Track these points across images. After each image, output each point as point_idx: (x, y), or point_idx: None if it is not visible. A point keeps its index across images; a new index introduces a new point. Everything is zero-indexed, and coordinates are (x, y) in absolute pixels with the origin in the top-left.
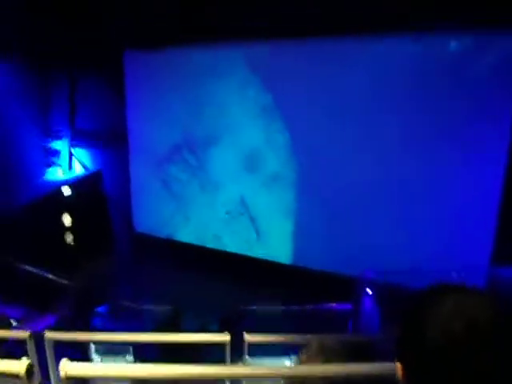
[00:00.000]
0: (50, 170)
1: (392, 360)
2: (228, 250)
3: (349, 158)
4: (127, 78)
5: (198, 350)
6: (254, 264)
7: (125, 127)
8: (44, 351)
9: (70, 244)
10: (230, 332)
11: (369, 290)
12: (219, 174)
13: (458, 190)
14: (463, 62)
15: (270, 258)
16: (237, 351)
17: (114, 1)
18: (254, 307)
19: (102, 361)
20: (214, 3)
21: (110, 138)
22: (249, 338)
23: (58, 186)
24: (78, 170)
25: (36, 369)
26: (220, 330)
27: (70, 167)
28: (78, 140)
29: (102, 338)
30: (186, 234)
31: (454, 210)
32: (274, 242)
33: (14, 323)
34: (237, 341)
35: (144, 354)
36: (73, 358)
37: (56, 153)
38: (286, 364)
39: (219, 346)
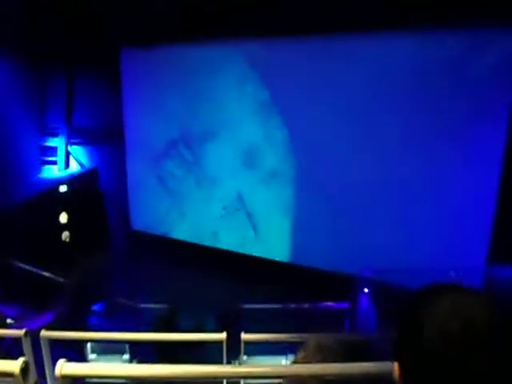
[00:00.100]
0: (46, 167)
1: (389, 359)
2: (225, 247)
3: (348, 155)
4: (124, 76)
5: (195, 348)
6: (251, 261)
7: (121, 124)
8: (40, 349)
9: (66, 241)
10: (227, 330)
11: (365, 289)
12: (216, 170)
13: (456, 190)
14: (462, 62)
15: (267, 256)
16: (234, 350)
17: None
18: (251, 305)
19: (98, 359)
20: (213, 1)
21: (106, 136)
22: (245, 336)
23: (54, 183)
24: (75, 167)
25: (32, 367)
26: (217, 329)
27: (67, 165)
28: (74, 137)
29: (99, 336)
30: (182, 231)
31: (451, 210)
32: (272, 239)
33: (10, 321)
34: (234, 339)
35: (140, 352)
36: (69, 357)
37: (52, 150)
38: (283, 363)
39: (216, 344)
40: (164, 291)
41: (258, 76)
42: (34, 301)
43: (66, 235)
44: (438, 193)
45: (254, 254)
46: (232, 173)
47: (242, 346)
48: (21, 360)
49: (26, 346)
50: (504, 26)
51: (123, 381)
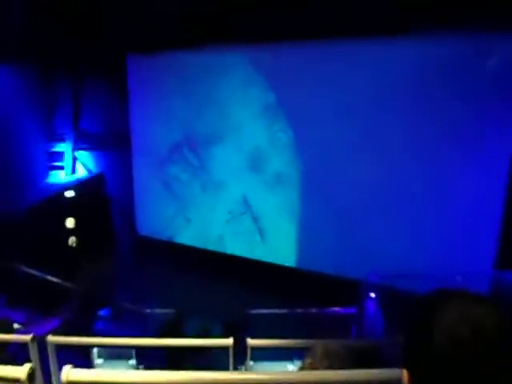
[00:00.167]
0: (53, 172)
1: (397, 365)
2: (230, 252)
3: (354, 159)
4: (130, 81)
5: (201, 354)
6: (257, 266)
7: (128, 129)
8: (47, 354)
9: (72, 246)
10: (233, 336)
11: (372, 294)
12: (221, 174)
13: (463, 195)
14: (464, 65)
15: (273, 261)
16: (240, 355)
17: (117, 6)
18: (258, 311)
19: (104, 364)
20: (216, 6)
21: (113, 141)
22: (252, 342)
23: (60, 188)
24: (81, 172)
25: (38, 373)
26: (223, 334)
27: (74, 170)
28: (81, 143)
29: (105, 342)
30: (188, 236)
31: (458, 215)
32: (278, 244)
33: (17, 326)
34: (240, 345)
35: (147, 357)
36: (75, 361)
37: (59, 156)
38: (289, 368)
39: (222, 350)
40: (170, 296)
41: (263, 79)
42: (40, 306)
43: (72, 240)
44: (444, 197)
45: (260, 259)
46: (237, 177)
47: (249, 351)
48: (27, 366)
49: (33, 352)
50: (505, 30)
51: None
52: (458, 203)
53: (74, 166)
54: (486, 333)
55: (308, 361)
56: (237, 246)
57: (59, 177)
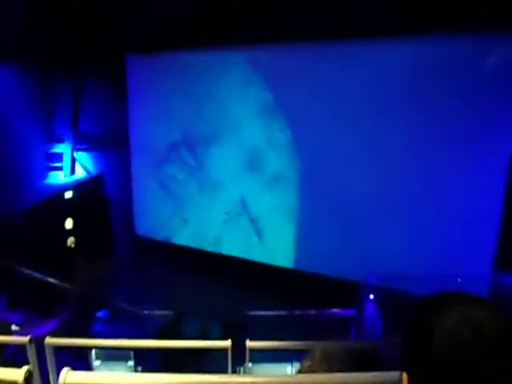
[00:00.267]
0: (52, 173)
1: (396, 367)
2: (228, 253)
3: (352, 159)
4: (130, 81)
5: (200, 355)
6: (255, 268)
7: (127, 130)
8: (45, 356)
9: (71, 247)
10: (232, 338)
11: (371, 295)
12: (218, 174)
13: (462, 196)
14: (464, 66)
15: (271, 262)
16: (239, 357)
17: (117, 6)
18: (257, 313)
19: (102, 366)
20: (215, 7)
21: (112, 141)
22: (251, 344)
23: (59, 189)
24: (80, 173)
25: (36, 376)
26: (222, 336)
27: (73, 171)
28: (80, 143)
29: (103, 343)
30: (185, 237)
31: (457, 216)
32: (276, 244)
33: (15, 328)
34: (239, 347)
35: (145, 359)
36: (74, 363)
37: (58, 156)
38: (288, 370)
39: (221, 352)
40: (168, 297)
41: (261, 79)
42: (38, 307)
43: (71, 241)
44: (443, 197)
45: (257, 260)
46: (235, 177)
47: (247, 353)
48: (25, 368)
49: (31, 353)
50: (503, 29)
51: None
52: (457, 203)
53: (73, 166)
54: (485, 335)
55: (307, 363)
56: (234, 246)
57: (58, 177)
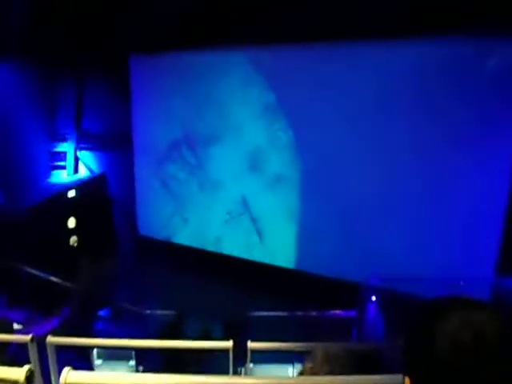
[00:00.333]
0: (55, 172)
1: (397, 369)
2: (229, 253)
3: (354, 159)
4: (133, 82)
5: (201, 355)
6: (256, 268)
7: (130, 129)
8: (47, 355)
9: (74, 246)
10: (233, 338)
11: (373, 297)
12: (219, 173)
13: (463, 197)
14: (465, 68)
15: (272, 262)
16: (240, 357)
17: (121, 7)
18: (259, 313)
19: (104, 365)
20: (217, 7)
21: (115, 141)
22: (252, 345)
23: (62, 188)
24: (83, 172)
25: (37, 375)
26: (224, 336)
27: (76, 170)
28: (83, 143)
29: (105, 343)
30: (185, 236)
31: (459, 219)
32: (277, 245)
33: (17, 327)
34: (240, 347)
35: (147, 358)
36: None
37: (61, 155)
38: (290, 371)
39: (223, 352)
40: (169, 297)
41: (264, 79)
42: (41, 306)
43: (74, 240)
44: (445, 199)
45: (258, 260)
46: (236, 176)
47: (249, 354)
48: (26, 368)
49: (32, 352)
50: (504, 32)
51: None
52: (459, 205)
53: (76, 165)
54: (486, 339)
55: (308, 365)
56: (235, 246)
57: (61, 176)
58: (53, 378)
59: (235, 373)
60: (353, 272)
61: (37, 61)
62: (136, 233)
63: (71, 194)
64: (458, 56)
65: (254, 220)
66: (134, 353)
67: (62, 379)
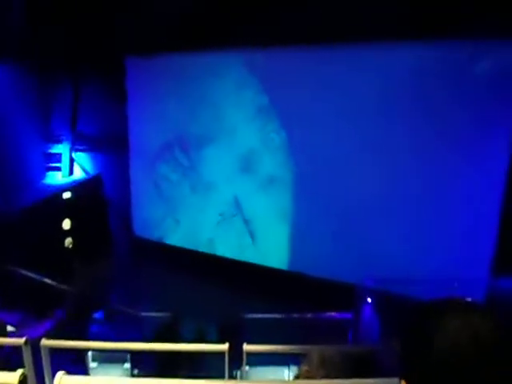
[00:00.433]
0: (51, 173)
1: (393, 371)
2: (221, 254)
3: (347, 160)
4: (129, 84)
5: (197, 357)
6: (248, 269)
7: (125, 131)
8: (41, 358)
9: (68, 248)
10: (229, 341)
11: (369, 299)
12: (212, 175)
13: (461, 198)
14: (462, 70)
15: (265, 264)
16: (236, 360)
17: (117, 9)
18: (254, 315)
19: (99, 368)
20: (212, 10)
21: (110, 142)
22: (248, 347)
23: (57, 189)
24: (79, 173)
25: (31, 378)
26: (219, 339)
27: (71, 171)
28: (78, 144)
29: (100, 346)
30: (178, 238)
31: (454, 220)
32: (270, 246)
33: (11, 329)
34: (236, 350)
35: (142, 361)
36: (70, 366)
37: (57, 157)
38: (285, 374)
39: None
40: (163, 299)
41: (257, 81)
42: (35, 308)
43: (69, 242)
44: (442, 200)
45: (251, 262)
46: (229, 178)
47: (245, 356)
48: (19, 371)
49: (26, 355)
50: (501, 35)
51: None
52: (456, 207)
53: (71, 167)
54: (481, 340)
55: (304, 368)
56: (228, 248)
57: (56, 178)
58: (47, 382)
59: (231, 375)
60: (348, 273)
61: (32, 62)
62: (131, 234)
63: (66, 195)
64: (456, 59)
65: (246, 221)
66: (129, 355)
67: (55, 383)
